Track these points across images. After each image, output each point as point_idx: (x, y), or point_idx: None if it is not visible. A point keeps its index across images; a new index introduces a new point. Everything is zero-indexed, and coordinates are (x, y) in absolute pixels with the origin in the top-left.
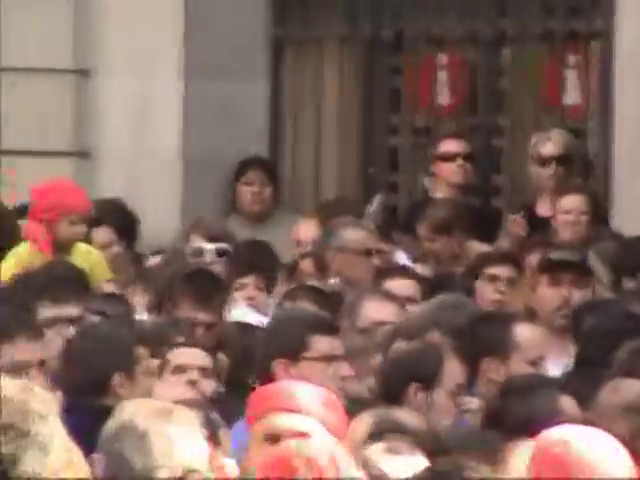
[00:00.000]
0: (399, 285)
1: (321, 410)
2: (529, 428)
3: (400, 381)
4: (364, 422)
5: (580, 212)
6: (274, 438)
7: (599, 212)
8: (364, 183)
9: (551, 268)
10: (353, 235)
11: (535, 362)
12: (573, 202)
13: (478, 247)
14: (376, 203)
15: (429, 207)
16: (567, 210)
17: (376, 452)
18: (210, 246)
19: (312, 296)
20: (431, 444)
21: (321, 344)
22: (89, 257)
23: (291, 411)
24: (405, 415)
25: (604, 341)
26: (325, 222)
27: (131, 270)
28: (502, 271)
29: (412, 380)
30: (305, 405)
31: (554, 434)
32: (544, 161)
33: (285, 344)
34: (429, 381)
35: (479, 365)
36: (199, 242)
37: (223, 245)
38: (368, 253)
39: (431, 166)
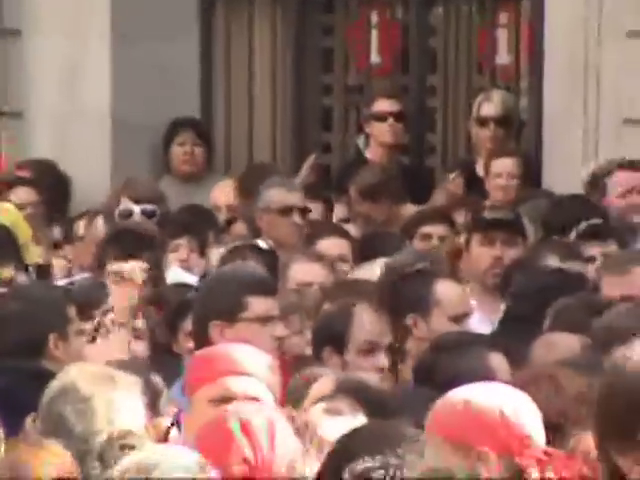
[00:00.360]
0: (330, 244)
1: (267, 373)
2: (458, 385)
3: (317, 345)
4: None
5: (511, 175)
6: (224, 402)
7: (530, 174)
8: (297, 143)
9: (484, 227)
10: (274, 194)
11: (457, 319)
12: (505, 165)
13: (413, 210)
14: (308, 164)
15: (360, 171)
16: (498, 173)
17: (316, 413)
18: (137, 207)
19: (251, 255)
20: (373, 405)
21: (258, 305)
22: (8, 216)
23: (241, 374)
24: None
25: (533, 298)
26: (252, 186)
27: (50, 231)
28: (436, 230)
29: (325, 344)
30: (254, 368)
31: (458, 393)
32: (483, 122)
33: (221, 305)
34: (339, 342)
35: (404, 322)
36: (128, 203)
37: (150, 206)
38: (288, 211)
39: (364, 126)
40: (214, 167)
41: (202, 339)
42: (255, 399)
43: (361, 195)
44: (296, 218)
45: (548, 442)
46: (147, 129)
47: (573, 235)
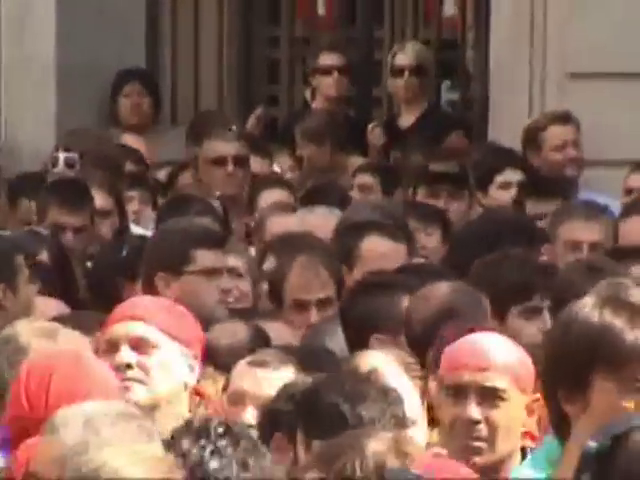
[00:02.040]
0: (273, 195)
1: (161, 316)
2: (372, 325)
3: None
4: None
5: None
6: (113, 347)
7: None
8: (243, 95)
9: (429, 180)
10: (210, 144)
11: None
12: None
13: (359, 162)
14: (255, 115)
15: (305, 116)
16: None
17: (241, 365)
18: (62, 155)
19: (192, 206)
20: (305, 360)
21: (203, 257)
22: None
23: (131, 318)
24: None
25: (466, 249)
26: (199, 135)
27: None
28: (363, 179)
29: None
30: (144, 312)
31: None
32: (397, 72)
33: (167, 257)
34: (278, 299)
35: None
36: (58, 153)
37: (72, 154)
38: (223, 161)
39: (309, 79)
40: (161, 118)
41: (150, 291)
42: (139, 339)
43: (305, 138)
44: (230, 168)
45: None
46: (93, 79)
47: (493, 187)
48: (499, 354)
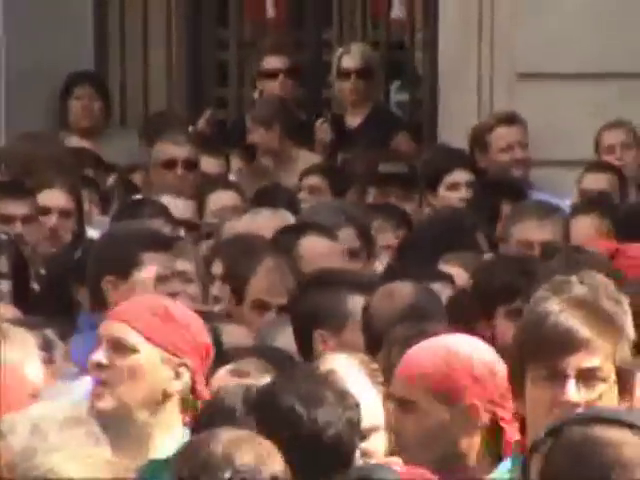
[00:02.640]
0: (222, 196)
1: (146, 321)
2: (317, 321)
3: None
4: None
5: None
6: (98, 345)
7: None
8: (193, 97)
9: (379, 181)
10: (160, 147)
11: None
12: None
13: (309, 157)
14: (205, 117)
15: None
16: None
17: (221, 374)
18: None
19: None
20: (282, 366)
21: (152, 262)
22: None
23: (116, 319)
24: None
25: (416, 251)
26: (152, 136)
27: None
28: (313, 180)
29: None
30: (129, 314)
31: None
32: (344, 74)
33: (116, 261)
34: (239, 295)
35: None
36: None
37: None
38: (173, 164)
39: (256, 82)
40: (110, 120)
41: (96, 295)
42: (118, 343)
43: (255, 122)
44: (179, 171)
45: None
46: (42, 82)
47: (442, 187)
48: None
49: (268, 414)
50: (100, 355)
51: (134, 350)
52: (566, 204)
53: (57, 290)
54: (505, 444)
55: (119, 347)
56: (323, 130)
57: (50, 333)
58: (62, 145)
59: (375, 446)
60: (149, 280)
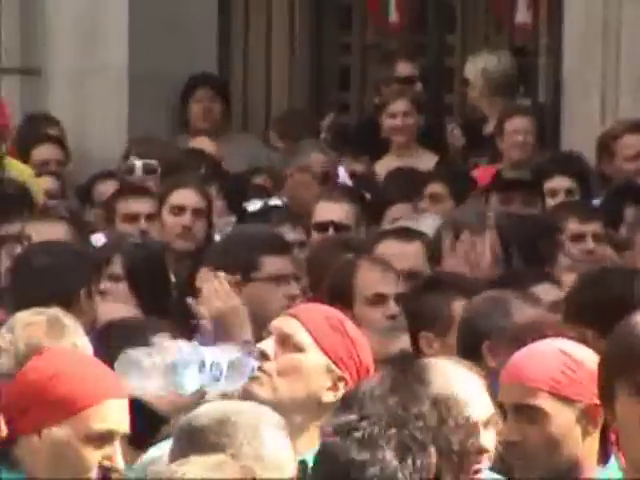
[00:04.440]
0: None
1: (320, 322)
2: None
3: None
4: None
5: (527, 132)
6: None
7: (544, 133)
8: (315, 102)
9: (502, 187)
10: (315, 157)
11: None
12: (521, 123)
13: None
14: (328, 121)
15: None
16: (514, 131)
17: None
18: (139, 162)
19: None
20: None
21: (271, 264)
22: (23, 172)
23: (291, 315)
24: None
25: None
26: (281, 136)
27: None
28: (434, 188)
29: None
30: (304, 314)
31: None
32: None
33: (234, 263)
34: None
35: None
36: (133, 159)
37: (151, 162)
38: (325, 176)
39: (381, 87)
40: (232, 124)
41: None
42: (285, 336)
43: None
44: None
45: None
46: (164, 85)
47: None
48: None
49: None
50: (266, 345)
51: (301, 349)
52: None
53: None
54: (609, 443)
55: (287, 342)
56: (454, 135)
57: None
58: (175, 150)
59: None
60: (267, 283)
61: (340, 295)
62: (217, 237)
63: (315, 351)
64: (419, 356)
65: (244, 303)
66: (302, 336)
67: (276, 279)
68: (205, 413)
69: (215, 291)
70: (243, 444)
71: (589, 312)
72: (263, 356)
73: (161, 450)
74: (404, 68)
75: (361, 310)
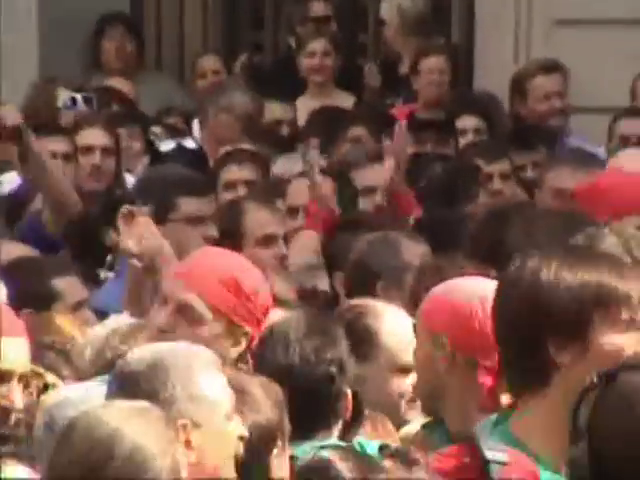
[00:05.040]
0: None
1: (215, 287)
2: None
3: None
4: None
5: (441, 72)
6: None
7: (458, 73)
8: (228, 42)
9: (416, 127)
10: (238, 98)
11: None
12: (436, 63)
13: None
14: (241, 60)
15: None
16: (429, 70)
17: None
18: (79, 95)
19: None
20: None
21: (187, 205)
22: None
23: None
24: None
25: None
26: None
27: None
28: (356, 131)
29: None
30: (198, 280)
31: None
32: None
33: (152, 204)
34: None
35: None
36: (68, 93)
37: (89, 94)
38: (249, 118)
39: (296, 27)
40: (145, 63)
41: None
42: (183, 307)
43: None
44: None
45: None
46: (76, 25)
47: None
48: None
49: None
50: (164, 319)
51: (200, 321)
52: (601, 151)
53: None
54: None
55: (185, 313)
56: (371, 74)
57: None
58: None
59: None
60: (184, 224)
61: (230, 237)
62: (127, 176)
63: (214, 318)
64: (336, 296)
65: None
66: (200, 307)
67: (193, 220)
68: (137, 359)
69: (140, 228)
70: (176, 388)
71: (489, 251)
72: (162, 333)
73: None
74: (318, 7)
75: (251, 251)
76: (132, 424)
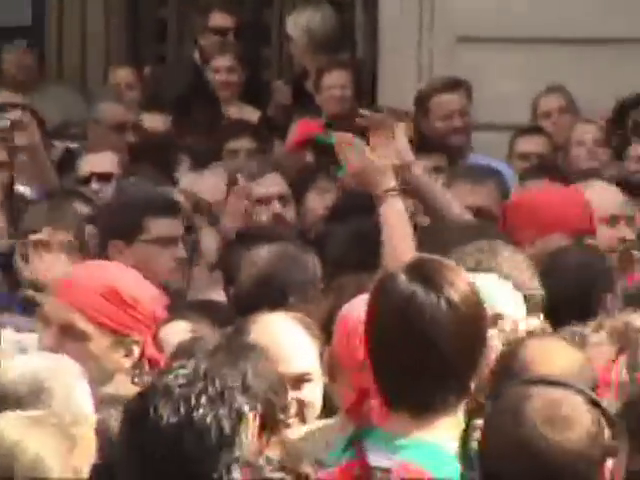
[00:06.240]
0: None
1: (95, 301)
2: None
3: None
4: None
5: (344, 86)
6: None
7: (362, 87)
8: (131, 54)
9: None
10: (109, 108)
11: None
12: (337, 78)
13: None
14: (146, 73)
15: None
16: (331, 85)
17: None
18: None
19: None
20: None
21: (157, 226)
22: None
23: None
24: None
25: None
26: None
27: None
28: (242, 144)
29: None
30: (77, 297)
31: None
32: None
33: (122, 226)
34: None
35: None
36: None
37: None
38: (122, 127)
39: (199, 38)
40: (46, 75)
41: (103, 258)
42: (66, 327)
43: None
44: (129, 135)
45: None
46: None
47: None
48: None
49: None
50: (49, 340)
51: (84, 338)
52: (506, 168)
53: None
54: None
55: (68, 332)
56: (281, 92)
57: None
58: None
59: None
60: (153, 245)
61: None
62: (20, 188)
63: (99, 334)
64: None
65: (131, 265)
66: (81, 324)
67: (163, 241)
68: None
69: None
70: (53, 405)
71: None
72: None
73: None
74: (220, 19)
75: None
76: (32, 435)
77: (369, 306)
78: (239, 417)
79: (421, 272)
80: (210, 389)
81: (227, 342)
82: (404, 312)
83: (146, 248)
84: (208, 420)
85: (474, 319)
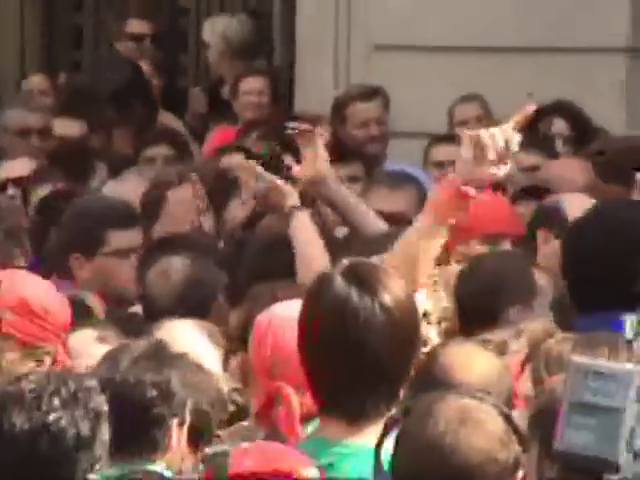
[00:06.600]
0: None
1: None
2: None
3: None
4: None
5: (260, 93)
6: None
7: (279, 93)
8: (46, 60)
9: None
10: (14, 114)
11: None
12: (253, 84)
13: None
14: (62, 80)
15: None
16: (247, 92)
17: (86, 339)
18: None
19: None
20: None
21: (117, 239)
22: None
23: None
24: None
25: None
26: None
27: None
28: (158, 151)
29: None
30: None
31: None
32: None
33: (81, 239)
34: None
35: None
36: None
37: None
38: (26, 132)
39: (115, 44)
40: None
41: (63, 272)
42: None
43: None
44: (35, 140)
45: None
46: None
47: None
48: None
49: None
50: None
51: None
52: (423, 174)
53: None
54: None
55: None
56: (198, 99)
57: None
58: None
59: None
60: (114, 257)
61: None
62: None
63: (9, 345)
64: None
65: (91, 278)
66: None
67: (123, 253)
68: None
69: None
70: None
71: None
72: None
73: None
74: (136, 25)
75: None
76: None
77: (304, 307)
78: (97, 417)
79: (357, 275)
80: (63, 391)
81: (154, 350)
82: (338, 315)
83: (106, 261)
84: (63, 423)
85: (407, 324)
